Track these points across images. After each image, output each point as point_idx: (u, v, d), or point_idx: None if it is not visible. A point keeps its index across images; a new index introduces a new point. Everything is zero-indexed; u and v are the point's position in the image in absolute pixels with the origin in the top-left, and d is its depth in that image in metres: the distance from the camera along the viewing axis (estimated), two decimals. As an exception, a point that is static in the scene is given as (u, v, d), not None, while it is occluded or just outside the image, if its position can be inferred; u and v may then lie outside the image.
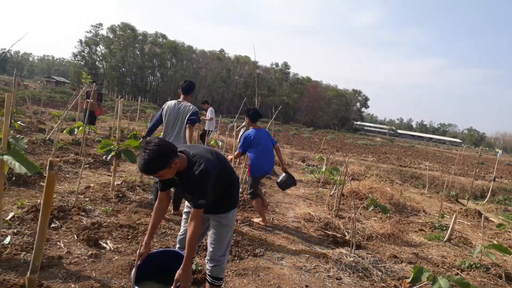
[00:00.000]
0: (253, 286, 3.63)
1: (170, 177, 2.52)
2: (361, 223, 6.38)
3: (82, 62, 73.76)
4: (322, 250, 4.85)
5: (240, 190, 6.41)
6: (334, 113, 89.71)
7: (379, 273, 4.30)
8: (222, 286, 3.02)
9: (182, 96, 5.22)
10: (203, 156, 2.55)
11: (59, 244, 3.82)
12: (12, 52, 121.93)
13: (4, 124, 3.58)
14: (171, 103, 5.15)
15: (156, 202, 2.81)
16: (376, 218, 6.90)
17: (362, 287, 3.99)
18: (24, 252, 3.50)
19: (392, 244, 5.61)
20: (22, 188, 5.44)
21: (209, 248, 2.83)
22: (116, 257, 3.74)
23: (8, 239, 3.70)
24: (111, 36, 74.05)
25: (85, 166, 7.45)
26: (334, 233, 5.64)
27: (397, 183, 12.83)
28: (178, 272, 2.48)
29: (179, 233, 3.13)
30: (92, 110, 10.81)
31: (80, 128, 8.28)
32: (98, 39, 73.86)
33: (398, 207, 8.16)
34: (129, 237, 4.28)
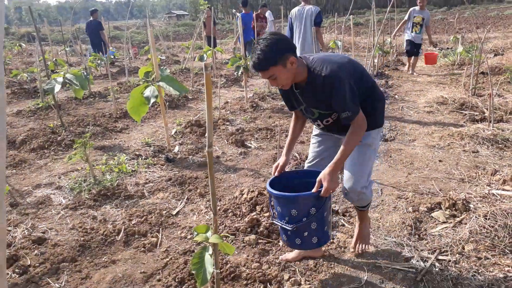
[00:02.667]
0: (386, 166, 3.91)
1: (287, 86, 2.10)
2: (504, 98, 5.90)
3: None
4: (456, 128, 4.77)
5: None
6: (472, -17, 76.12)
7: (523, 143, 4.12)
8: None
9: (303, 2, 5.48)
10: (326, 60, 2.05)
11: (215, 147, 4.63)
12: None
13: (153, 58, 4.31)
14: (295, 10, 5.61)
15: (292, 120, 2.47)
16: (523, 91, 6.26)
17: (502, 157, 3.92)
18: (190, 156, 4.37)
19: (541, 114, 5.15)
20: (175, 110, 6.49)
21: (349, 176, 2.23)
22: (261, 153, 4.38)
23: (177, 148, 4.62)
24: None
25: (220, 85, 8.30)
26: (471, 112, 5.41)
27: (555, 51, 10.95)
28: (324, 171, 2.02)
29: (307, 161, 2.56)
30: (209, 36, 11.47)
31: (209, 52, 9.04)
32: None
33: (553, 76, 7.16)
34: (268, 137, 4.89)
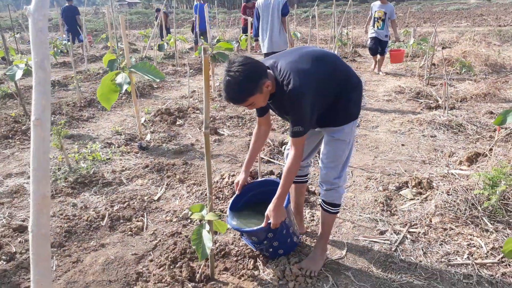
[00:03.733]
0: (353, 150, 4.15)
1: (263, 105, 2.07)
2: (454, 87, 6.38)
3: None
4: (415, 115, 5.12)
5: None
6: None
7: (474, 127, 4.52)
8: (338, 215, 2.71)
9: None
10: (293, 69, 1.98)
11: (188, 135, 4.67)
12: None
13: (125, 44, 4.27)
14: (261, 0, 5.48)
15: (255, 127, 2.41)
16: (470, 82, 6.78)
17: (457, 141, 4.28)
18: (164, 144, 4.39)
19: (488, 102, 5.63)
20: (142, 99, 6.42)
21: (321, 169, 2.27)
22: (235, 140, 4.49)
23: (148, 136, 4.62)
24: None
25: (184, 75, 8.26)
26: (426, 100, 5.81)
27: (494, 44, 11.85)
28: (269, 207, 2.11)
29: (285, 149, 2.67)
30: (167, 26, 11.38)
31: (171, 40, 8.96)
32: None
33: (495, 68, 7.81)
34: (240, 124, 5.00)
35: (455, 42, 12.09)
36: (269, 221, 2.11)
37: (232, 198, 2.46)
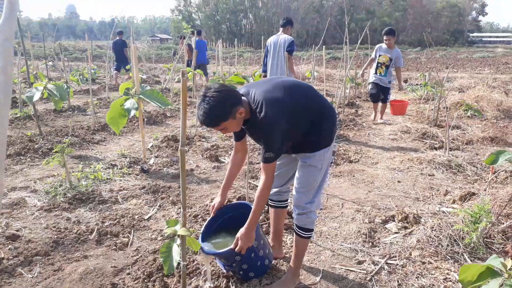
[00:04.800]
0: (349, 183, 4.19)
1: (237, 130, 2.19)
2: (462, 130, 6.37)
3: (179, 16, 77.15)
4: (416, 154, 5.13)
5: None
6: (445, 27, 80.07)
7: (474, 168, 4.50)
8: (312, 239, 2.81)
9: (281, 30, 5.99)
10: (265, 98, 2.08)
11: (189, 161, 4.82)
12: (119, 18, 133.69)
13: (135, 71, 4.54)
14: (272, 37, 6.00)
15: (232, 153, 2.52)
16: (480, 126, 6.76)
17: (454, 181, 4.26)
18: (165, 168, 4.54)
19: (493, 146, 5.60)
20: (153, 126, 6.67)
21: (294, 193, 2.35)
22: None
23: (152, 160, 4.79)
24: (202, -15, 75.38)
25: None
26: (431, 141, 5.82)
27: (514, 91, 11.78)
28: (241, 230, 2.20)
29: None
30: (190, 59, 11.86)
31: (190, 73, 9.33)
32: (190, -10, 75.91)
33: (508, 113, 7.75)
34: (242, 154, 5.12)
35: (472, 86, 12.08)
36: (238, 244, 2.18)
37: (207, 221, 2.53)
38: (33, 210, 3.37)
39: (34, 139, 5.26)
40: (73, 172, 4.18)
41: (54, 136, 5.51)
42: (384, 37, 6.85)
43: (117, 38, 12.41)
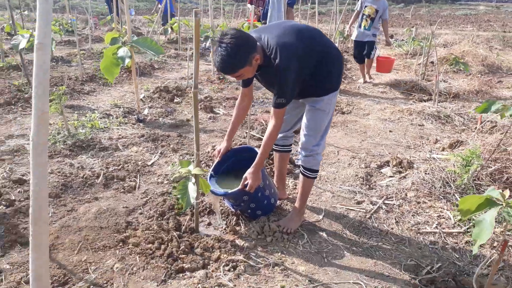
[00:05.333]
0: (342, 133, 4.32)
1: (251, 76, 2.23)
2: (449, 84, 6.53)
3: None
4: (406, 106, 5.28)
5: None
6: (428, -17, 79.13)
7: (461, 119, 4.68)
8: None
9: None
10: (279, 44, 2.12)
11: (184, 112, 4.84)
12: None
13: (127, 19, 4.42)
14: None
15: (238, 98, 2.55)
16: (465, 79, 6.93)
17: (443, 130, 4.44)
18: (160, 118, 4.55)
19: (479, 99, 5.79)
20: (142, 78, 6.57)
21: (301, 136, 2.45)
22: (229, 118, 4.64)
23: (146, 110, 4.78)
24: None
25: (185, 58, 8.41)
26: (420, 94, 5.96)
27: (496, 48, 11.97)
28: (248, 170, 2.30)
29: None
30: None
31: (175, 24, 9.10)
32: None
33: (492, 68, 7.95)
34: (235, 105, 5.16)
35: (457, 43, 12.19)
36: (245, 184, 2.28)
37: (213, 164, 2.62)
38: (35, 157, 3.37)
39: (23, 89, 5.14)
40: (68, 121, 4.15)
41: (43, 86, 5.39)
42: None
43: None
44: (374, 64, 6.96)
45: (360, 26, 6.43)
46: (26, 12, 13.67)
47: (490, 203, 1.82)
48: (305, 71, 2.23)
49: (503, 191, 1.78)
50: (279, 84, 2.15)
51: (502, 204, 1.73)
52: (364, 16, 6.36)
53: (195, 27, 2.05)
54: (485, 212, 1.79)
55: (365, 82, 6.73)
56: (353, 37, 6.68)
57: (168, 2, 9.07)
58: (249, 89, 2.50)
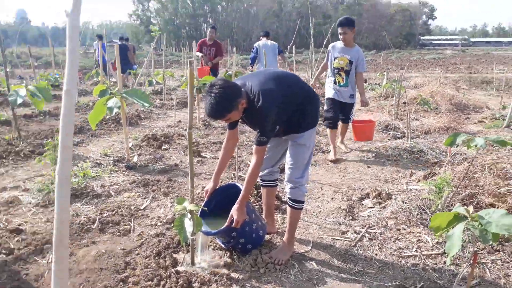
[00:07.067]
0: (324, 170, 4.57)
1: (238, 119, 2.49)
2: (420, 122, 6.95)
3: (137, 22, 75.73)
4: (382, 143, 5.60)
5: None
6: (398, 30, 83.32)
7: (433, 153, 5.01)
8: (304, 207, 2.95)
9: (264, 38, 8.07)
10: (261, 89, 2.37)
11: (173, 157, 5.03)
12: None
13: (118, 71, 4.70)
14: (260, 42, 7.97)
15: (224, 140, 2.76)
16: (435, 117, 7.38)
17: (417, 164, 4.74)
18: (150, 164, 4.73)
19: (448, 134, 6.17)
20: (130, 127, 6.78)
21: (286, 170, 2.68)
22: (216, 161, 4.81)
23: (135, 158, 4.95)
24: (160, -12, 74.47)
25: (170, 108, 8.71)
26: (394, 132, 6.33)
27: (463, 88, 12.75)
28: (234, 207, 2.47)
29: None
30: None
31: (160, 75, 9.48)
32: (148, -6, 74.75)
33: (459, 106, 8.48)
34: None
35: (426, 85, 12.95)
36: (232, 220, 2.45)
37: (202, 205, 2.74)
38: (29, 207, 3.48)
39: (13, 143, 5.27)
40: (61, 171, 4.28)
41: (33, 139, 5.54)
42: (339, 30, 4.78)
43: (119, 42, 12.62)
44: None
45: (335, 82, 5.01)
46: (9, 69, 13.94)
47: (457, 218, 2.04)
48: (285, 112, 2.49)
49: (467, 207, 2.02)
50: (261, 124, 2.41)
51: (468, 219, 1.96)
52: (336, 71, 4.97)
53: (190, 75, 2.32)
54: (453, 227, 2.01)
55: (335, 156, 4.92)
56: (328, 95, 5.10)
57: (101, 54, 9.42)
58: (235, 131, 2.72)
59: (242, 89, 2.41)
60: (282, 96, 2.44)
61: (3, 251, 2.67)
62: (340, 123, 5.24)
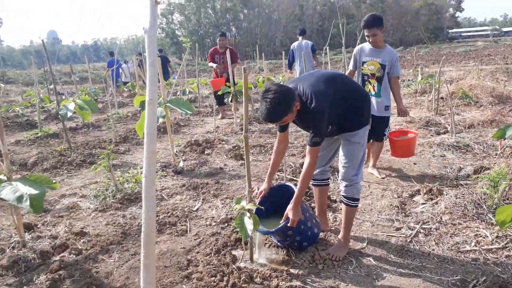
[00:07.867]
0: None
1: (291, 121, 2.54)
2: (462, 116, 6.79)
3: (162, 34, 77.55)
4: (425, 139, 5.52)
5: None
6: (424, 25, 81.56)
7: (480, 147, 4.89)
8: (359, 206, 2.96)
9: (300, 37, 8.30)
10: (313, 90, 2.43)
11: (216, 161, 5.15)
12: (101, 40, 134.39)
13: (161, 82, 4.87)
14: (295, 43, 8.26)
15: (276, 143, 2.82)
16: (477, 111, 7.19)
17: (465, 159, 4.64)
18: (196, 168, 4.86)
19: (493, 128, 6.01)
20: (171, 134, 6.97)
21: (340, 168, 2.70)
22: (259, 163, 4.93)
23: (181, 163, 5.10)
24: (183, 2, 76.02)
25: (206, 115, 8.91)
26: (436, 128, 6.22)
27: (502, 80, 12.32)
28: (288, 207, 2.54)
29: None
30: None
31: (193, 85, 9.69)
32: (172, 8, 76.49)
33: (501, 98, 8.21)
34: (262, 151, 5.47)
35: (462, 78, 12.61)
36: (287, 219, 2.51)
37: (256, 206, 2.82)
38: (89, 212, 3.66)
39: (65, 154, 5.54)
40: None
41: (83, 150, 5.81)
42: (366, 32, 4.02)
43: (160, 54, 13.20)
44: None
45: None
46: (51, 86, 14.60)
47: (524, 211, 2.02)
48: (338, 111, 2.51)
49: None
50: (314, 124, 2.46)
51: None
52: (365, 77, 4.18)
53: (244, 80, 2.41)
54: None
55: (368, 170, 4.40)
56: None
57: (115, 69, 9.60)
58: (285, 134, 2.78)
59: (295, 92, 2.47)
60: (334, 96, 2.48)
61: (73, 252, 2.84)
62: (371, 141, 4.35)
